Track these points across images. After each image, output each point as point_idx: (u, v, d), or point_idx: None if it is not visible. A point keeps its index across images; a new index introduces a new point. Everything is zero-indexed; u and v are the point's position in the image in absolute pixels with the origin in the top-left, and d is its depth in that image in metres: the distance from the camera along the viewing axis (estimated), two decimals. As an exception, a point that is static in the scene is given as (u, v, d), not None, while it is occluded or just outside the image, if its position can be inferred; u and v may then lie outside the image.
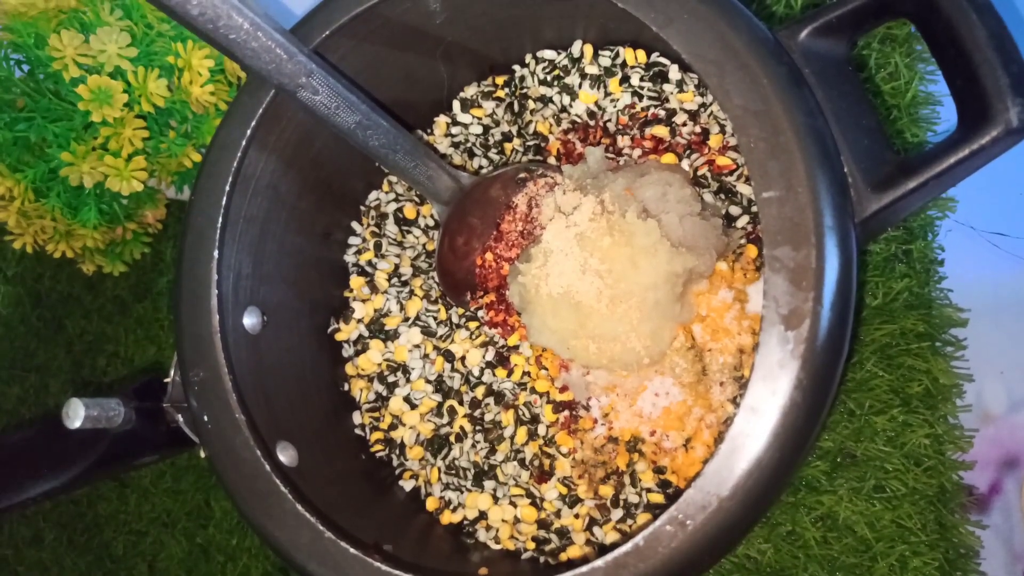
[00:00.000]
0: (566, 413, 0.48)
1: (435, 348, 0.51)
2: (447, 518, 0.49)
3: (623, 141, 0.48)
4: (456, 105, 0.53)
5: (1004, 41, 0.34)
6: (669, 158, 0.47)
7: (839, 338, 0.34)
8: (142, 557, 0.62)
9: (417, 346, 0.51)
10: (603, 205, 0.45)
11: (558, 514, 0.47)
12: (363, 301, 0.52)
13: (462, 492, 0.49)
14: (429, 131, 0.54)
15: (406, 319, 0.51)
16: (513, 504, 0.48)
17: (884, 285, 0.49)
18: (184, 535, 0.61)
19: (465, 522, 0.49)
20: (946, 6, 0.35)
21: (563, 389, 0.48)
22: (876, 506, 0.47)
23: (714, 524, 0.34)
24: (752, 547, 0.49)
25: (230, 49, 0.37)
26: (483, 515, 0.48)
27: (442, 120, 0.53)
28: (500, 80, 0.52)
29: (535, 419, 0.48)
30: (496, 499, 0.48)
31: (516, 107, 0.51)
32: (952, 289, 0.49)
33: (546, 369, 0.48)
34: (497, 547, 0.48)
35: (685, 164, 0.47)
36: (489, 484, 0.49)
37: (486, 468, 0.49)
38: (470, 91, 0.53)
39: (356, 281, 0.53)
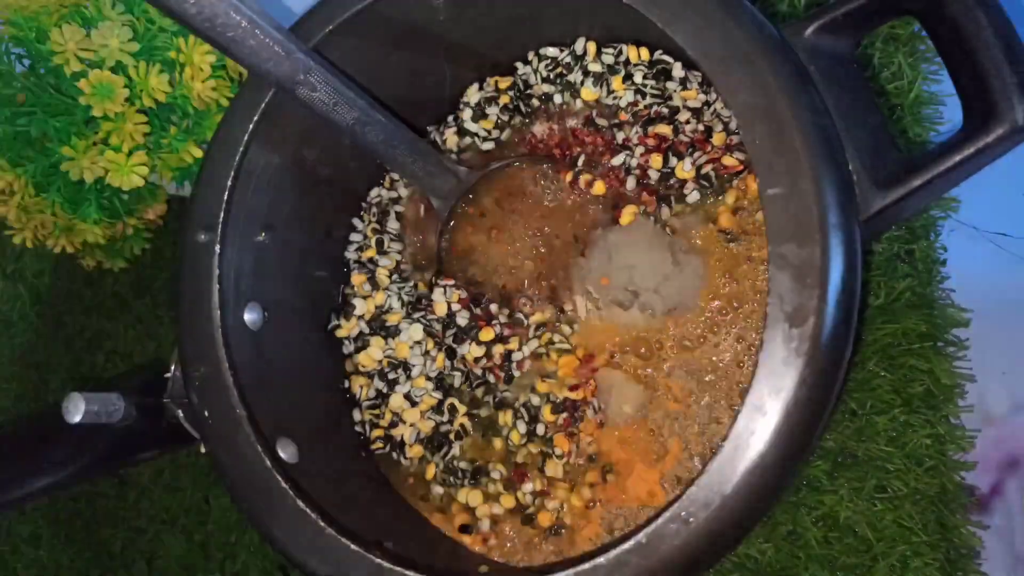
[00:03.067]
0: (565, 415, 0.47)
1: (436, 345, 0.50)
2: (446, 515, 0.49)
3: (628, 131, 0.48)
4: (467, 113, 0.53)
5: (1011, 39, 0.34)
6: (628, 214, 0.48)
7: (844, 336, 0.34)
8: (141, 554, 0.62)
9: (418, 342, 0.51)
10: (595, 303, 0.48)
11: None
12: (364, 298, 0.52)
13: (456, 489, 0.49)
14: (439, 129, 0.54)
15: (407, 316, 0.51)
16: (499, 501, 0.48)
17: (886, 285, 0.49)
18: (183, 532, 0.61)
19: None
20: (952, 4, 0.35)
21: (573, 387, 0.48)
22: (877, 506, 0.47)
23: (717, 521, 0.33)
24: (753, 547, 0.49)
25: (227, 47, 0.37)
26: (473, 511, 0.48)
27: (451, 134, 0.53)
28: (504, 84, 0.52)
29: (534, 419, 0.48)
30: (487, 497, 0.48)
31: (522, 108, 0.51)
32: (954, 289, 0.49)
33: (551, 376, 0.48)
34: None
35: (688, 163, 0.47)
36: (483, 481, 0.48)
37: (482, 466, 0.49)
38: (474, 97, 0.53)
39: (357, 278, 0.53)
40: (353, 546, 0.39)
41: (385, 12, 0.45)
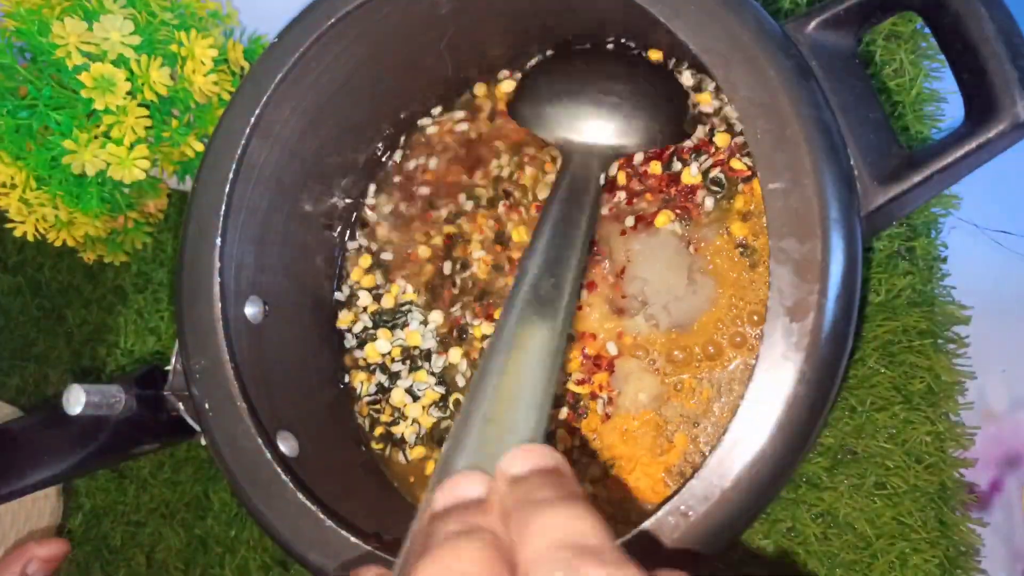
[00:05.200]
0: (568, 410, 0.47)
1: (450, 329, 0.50)
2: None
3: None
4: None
5: (1012, 35, 0.34)
6: (664, 218, 0.47)
7: (843, 331, 0.34)
8: (140, 548, 0.62)
9: (436, 328, 0.51)
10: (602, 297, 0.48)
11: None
12: (369, 290, 0.52)
13: None
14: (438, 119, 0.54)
15: (425, 305, 0.51)
16: None
17: (887, 282, 0.49)
18: (182, 526, 0.61)
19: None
20: (954, -1, 0.35)
21: (580, 382, 0.48)
22: (876, 503, 0.47)
23: (716, 515, 0.34)
24: (752, 542, 0.49)
25: None
26: None
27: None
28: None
29: None
30: None
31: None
32: (955, 286, 0.49)
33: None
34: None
35: (694, 167, 0.46)
36: None
37: None
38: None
39: (358, 272, 0.53)
40: (353, 539, 0.39)
41: (386, 5, 0.45)
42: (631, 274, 0.47)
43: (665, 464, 0.45)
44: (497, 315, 0.49)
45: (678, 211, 0.47)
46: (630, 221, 0.48)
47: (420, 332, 0.51)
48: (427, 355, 0.51)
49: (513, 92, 0.50)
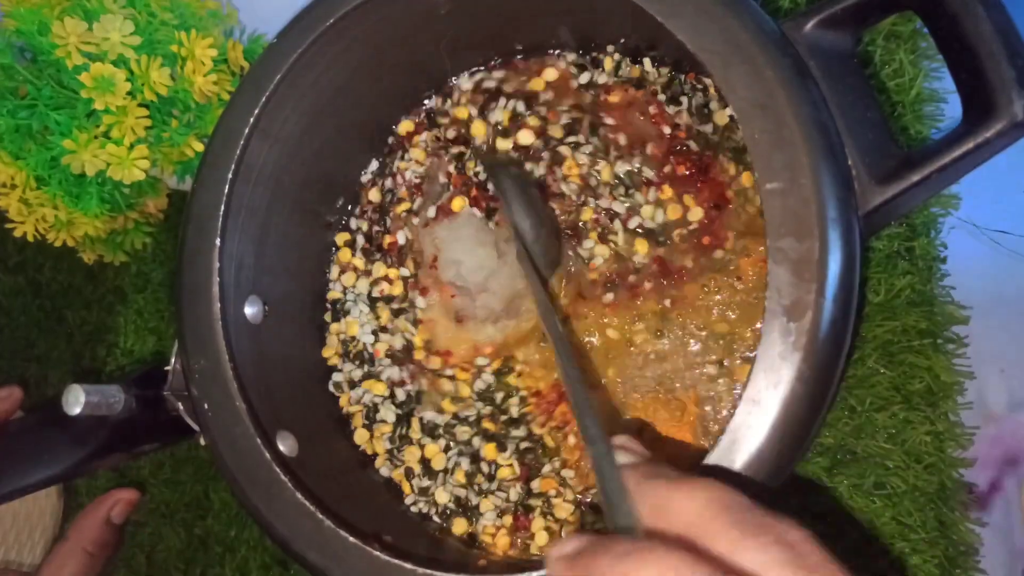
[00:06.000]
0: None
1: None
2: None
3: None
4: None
5: (1009, 34, 0.34)
6: (459, 203, 0.50)
7: (841, 330, 0.34)
8: (140, 548, 0.62)
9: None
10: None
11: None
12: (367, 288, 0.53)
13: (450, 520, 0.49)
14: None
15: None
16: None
17: (886, 282, 0.49)
18: (183, 526, 0.61)
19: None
20: (952, -1, 0.35)
21: (545, 424, 0.49)
22: (876, 503, 0.47)
23: (714, 515, 0.33)
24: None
25: None
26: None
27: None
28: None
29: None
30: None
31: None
32: (954, 286, 0.49)
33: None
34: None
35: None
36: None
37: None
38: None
39: (355, 271, 0.53)
40: (352, 539, 0.39)
41: (387, 4, 0.45)
42: (445, 259, 0.50)
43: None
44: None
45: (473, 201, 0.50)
46: (432, 212, 0.51)
47: (358, 322, 0.52)
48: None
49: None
